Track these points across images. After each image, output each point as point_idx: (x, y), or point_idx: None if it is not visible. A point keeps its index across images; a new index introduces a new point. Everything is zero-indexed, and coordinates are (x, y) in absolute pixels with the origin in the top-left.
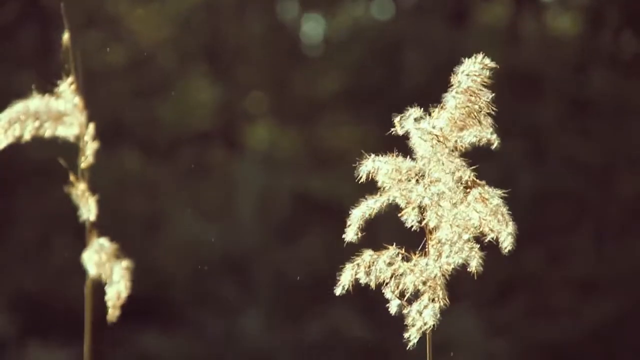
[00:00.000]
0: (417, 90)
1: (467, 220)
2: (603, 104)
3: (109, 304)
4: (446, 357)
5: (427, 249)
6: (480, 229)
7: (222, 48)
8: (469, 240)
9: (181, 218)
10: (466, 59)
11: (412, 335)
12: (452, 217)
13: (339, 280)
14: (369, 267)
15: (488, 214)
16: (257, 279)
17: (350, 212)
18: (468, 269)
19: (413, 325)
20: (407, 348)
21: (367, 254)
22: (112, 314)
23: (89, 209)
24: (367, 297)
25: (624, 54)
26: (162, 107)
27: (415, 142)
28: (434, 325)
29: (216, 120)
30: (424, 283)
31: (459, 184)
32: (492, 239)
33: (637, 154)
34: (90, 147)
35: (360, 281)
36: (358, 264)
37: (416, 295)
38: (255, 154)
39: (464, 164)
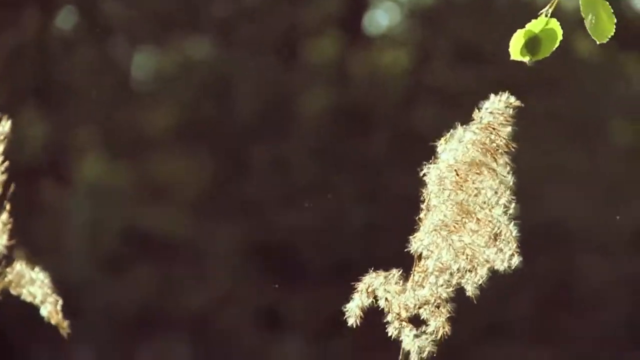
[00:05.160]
0: (248, 125)
1: (460, 250)
2: (431, 138)
3: None
4: None
5: (412, 276)
6: (475, 261)
7: (52, 83)
8: (457, 270)
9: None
10: (489, 98)
11: None
12: (443, 248)
13: (347, 310)
14: (368, 288)
15: (485, 243)
16: (88, 312)
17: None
18: (466, 294)
19: (409, 351)
20: None
21: (368, 277)
22: None
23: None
24: (197, 327)
25: (451, 87)
26: None
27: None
28: (432, 352)
29: (46, 155)
30: (419, 308)
31: (461, 213)
32: (489, 269)
33: None
34: None
35: (365, 305)
36: (361, 290)
37: (416, 321)
38: (85, 188)
39: (470, 193)
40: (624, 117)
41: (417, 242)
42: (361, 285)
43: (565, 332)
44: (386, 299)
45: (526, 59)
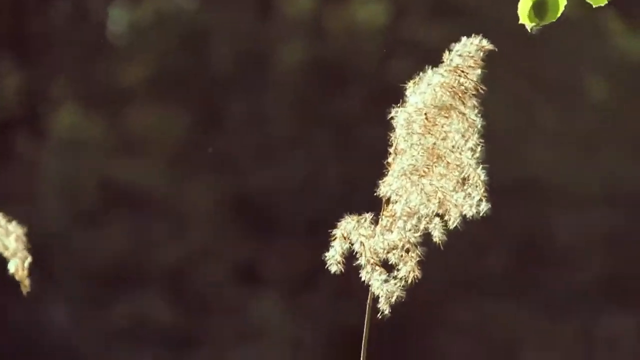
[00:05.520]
0: (225, 78)
1: (432, 194)
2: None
3: None
4: (256, 343)
5: (380, 220)
6: (445, 205)
7: (26, 34)
8: (426, 215)
9: None
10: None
11: (384, 307)
12: (412, 192)
13: (328, 256)
14: (344, 233)
15: (453, 187)
16: (62, 267)
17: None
18: (433, 239)
19: (379, 296)
20: (380, 318)
21: (344, 221)
22: None
23: None
24: (173, 282)
25: (429, 41)
26: None
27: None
28: (400, 297)
29: (20, 107)
30: (388, 252)
31: (431, 157)
32: (459, 214)
33: None
34: None
35: (344, 250)
36: (338, 236)
37: (386, 265)
38: (60, 140)
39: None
40: (600, 74)
41: (385, 187)
42: (338, 231)
43: (539, 287)
44: (361, 242)
45: (533, 24)
